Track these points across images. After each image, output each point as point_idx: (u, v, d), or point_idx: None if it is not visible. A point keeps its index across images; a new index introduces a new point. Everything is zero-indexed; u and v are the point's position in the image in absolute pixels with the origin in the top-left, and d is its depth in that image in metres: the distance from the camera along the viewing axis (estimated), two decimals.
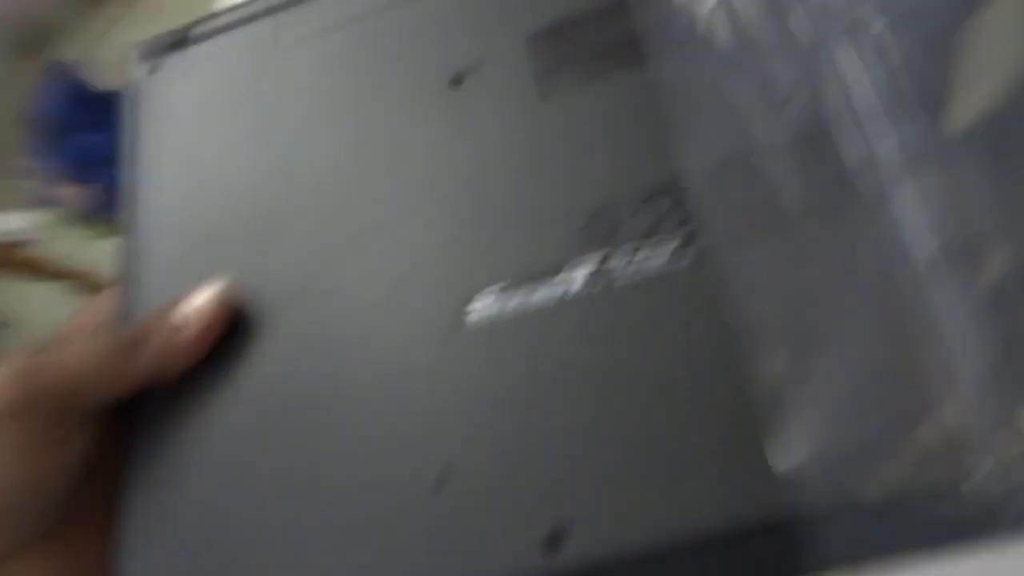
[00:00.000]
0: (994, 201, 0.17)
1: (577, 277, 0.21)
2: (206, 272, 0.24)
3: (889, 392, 0.18)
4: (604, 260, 0.21)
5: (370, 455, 0.21)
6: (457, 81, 0.24)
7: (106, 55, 1.38)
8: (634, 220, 0.21)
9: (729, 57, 0.20)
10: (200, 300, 0.23)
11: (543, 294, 0.21)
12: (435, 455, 0.20)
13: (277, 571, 0.21)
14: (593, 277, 0.21)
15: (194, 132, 0.27)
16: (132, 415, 0.23)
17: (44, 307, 1.18)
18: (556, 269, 0.21)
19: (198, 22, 0.29)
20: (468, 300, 0.22)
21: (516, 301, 0.21)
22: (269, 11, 0.28)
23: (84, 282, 1.16)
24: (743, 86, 0.20)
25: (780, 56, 0.19)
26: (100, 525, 0.23)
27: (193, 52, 0.28)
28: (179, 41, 0.28)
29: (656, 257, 0.21)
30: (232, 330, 0.23)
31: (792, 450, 0.17)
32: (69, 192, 1.19)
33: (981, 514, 0.16)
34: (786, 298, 0.18)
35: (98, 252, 1.18)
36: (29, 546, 0.22)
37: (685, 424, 0.19)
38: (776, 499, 0.17)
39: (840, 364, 0.17)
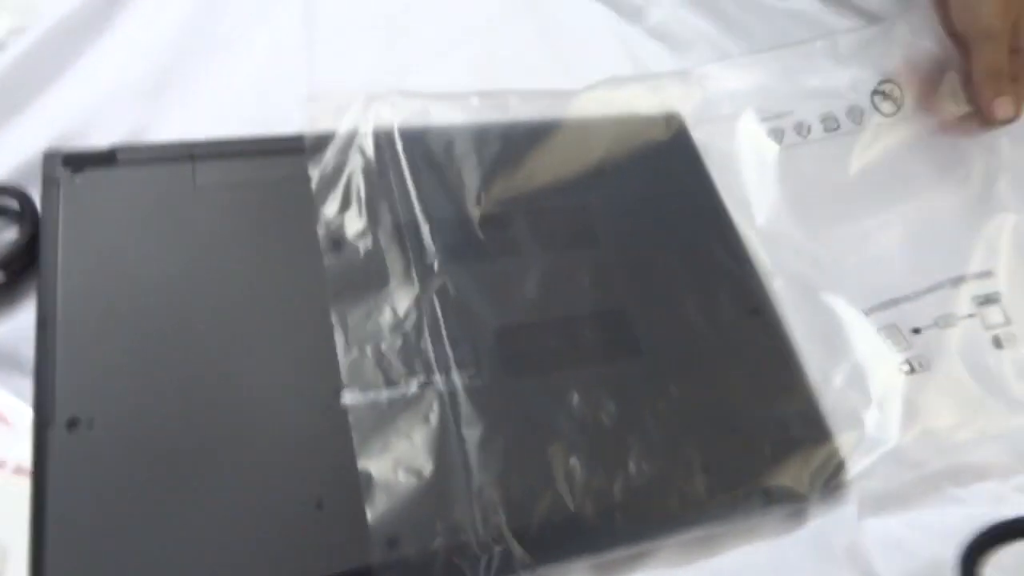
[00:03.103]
0: None
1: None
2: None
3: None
4: None
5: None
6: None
7: None
8: None
9: None
10: None
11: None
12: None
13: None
14: None
15: (115, 237, 0.34)
16: None
17: None
18: None
19: (122, 148, 0.36)
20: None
21: None
22: (189, 157, 0.37)
23: None
24: None
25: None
26: None
27: (118, 171, 0.35)
28: (106, 158, 0.36)
29: None
30: None
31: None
32: None
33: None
34: None
35: None
36: None
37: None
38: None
39: None
